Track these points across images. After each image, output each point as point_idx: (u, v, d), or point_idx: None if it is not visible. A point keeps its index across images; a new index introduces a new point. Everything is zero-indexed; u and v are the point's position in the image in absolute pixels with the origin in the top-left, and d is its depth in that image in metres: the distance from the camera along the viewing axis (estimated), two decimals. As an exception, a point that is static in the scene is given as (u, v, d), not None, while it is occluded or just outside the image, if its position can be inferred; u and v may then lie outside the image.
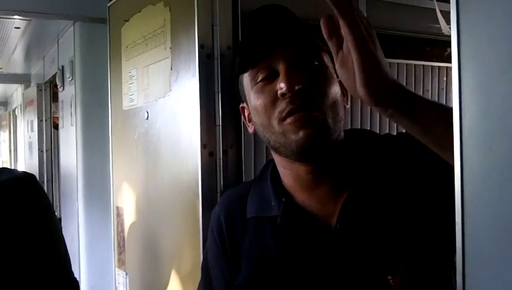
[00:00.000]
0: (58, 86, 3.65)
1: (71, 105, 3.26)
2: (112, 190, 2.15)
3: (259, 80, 1.14)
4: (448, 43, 0.59)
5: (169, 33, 1.60)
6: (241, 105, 1.28)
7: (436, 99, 2.51)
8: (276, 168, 1.23)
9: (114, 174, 2.14)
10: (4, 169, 1.54)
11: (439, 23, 1.99)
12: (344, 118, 1.17)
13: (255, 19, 1.22)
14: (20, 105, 6.12)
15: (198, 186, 1.45)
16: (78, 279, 1.57)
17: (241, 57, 1.19)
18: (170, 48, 1.60)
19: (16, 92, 7.27)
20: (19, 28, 3.81)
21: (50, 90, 4.67)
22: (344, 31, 0.87)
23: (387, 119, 2.29)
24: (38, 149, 4.76)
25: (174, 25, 1.58)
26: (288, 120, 1.08)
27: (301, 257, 1.10)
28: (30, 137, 5.13)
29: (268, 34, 1.15)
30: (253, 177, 1.36)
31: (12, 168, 4.53)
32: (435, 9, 1.98)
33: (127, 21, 1.90)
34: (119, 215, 2.08)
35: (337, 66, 0.93)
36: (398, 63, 2.33)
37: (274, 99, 1.10)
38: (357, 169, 1.14)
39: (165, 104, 1.64)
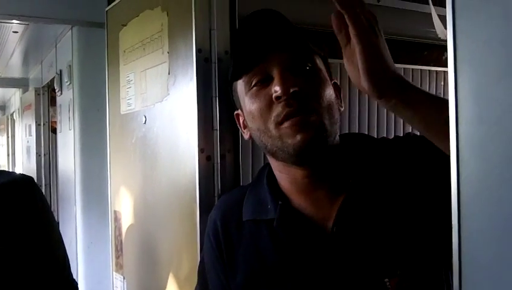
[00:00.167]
0: (56, 90, 3.65)
1: (69, 109, 3.26)
2: (109, 193, 2.15)
3: (253, 84, 1.14)
4: (445, 48, 0.59)
5: (166, 38, 1.61)
6: (235, 112, 1.29)
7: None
8: (273, 172, 1.23)
9: (112, 178, 2.14)
10: (2, 172, 1.54)
11: (436, 28, 1.99)
12: (340, 121, 1.17)
13: (247, 25, 1.22)
14: (18, 109, 6.11)
15: (195, 191, 1.45)
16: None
17: (235, 63, 1.20)
18: (168, 52, 1.60)
19: (13, 96, 7.26)
20: (16, 32, 3.81)
21: (48, 95, 4.67)
22: (348, 23, 0.89)
23: (385, 123, 2.29)
24: (36, 153, 4.75)
25: (172, 29, 1.59)
26: (286, 124, 1.08)
27: (297, 260, 1.10)
28: (28, 141, 5.12)
29: (262, 39, 1.15)
30: (250, 182, 1.36)
31: (10, 171, 4.52)
32: (431, 14, 1.98)
33: (125, 25, 1.91)
34: (116, 219, 2.08)
35: (344, 60, 0.97)
36: (395, 68, 2.33)
37: (269, 103, 1.11)
38: (354, 172, 1.15)
39: (162, 108, 1.64)
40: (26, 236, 1.39)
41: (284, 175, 1.18)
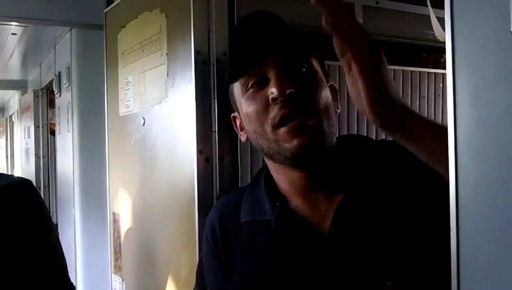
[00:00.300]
0: (55, 92, 3.65)
1: (68, 111, 3.26)
2: (108, 195, 2.15)
3: (250, 86, 1.14)
4: (444, 50, 0.59)
5: (165, 39, 1.61)
6: (232, 114, 1.29)
7: (433, 106, 2.51)
8: (270, 173, 1.23)
9: (110, 180, 2.13)
10: (1, 175, 1.53)
11: (434, 30, 1.99)
12: (337, 123, 1.17)
13: (243, 26, 1.22)
14: (17, 111, 6.11)
15: (194, 192, 1.45)
16: (74, 285, 1.57)
17: (231, 66, 1.20)
18: (166, 54, 1.60)
19: (12, 98, 7.26)
20: (15, 34, 3.81)
21: (47, 97, 4.66)
22: (347, 52, 0.87)
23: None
24: (35, 155, 4.75)
25: (171, 31, 1.59)
26: (283, 129, 1.08)
27: (295, 261, 1.10)
28: (27, 143, 5.12)
29: (258, 41, 1.15)
30: (248, 183, 1.36)
31: (9, 173, 4.51)
32: (430, 16, 1.99)
33: (124, 27, 1.91)
34: (115, 221, 2.08)
35: (348, 85, 0.93)
36: (394, 70, 2.34)
37: (266, 105, 1.11)
38: (351, 174, 1.14)
39: (161, 110, 1.64)
40: (25, 240, 1.38)
41: (282, 177, 1.18)
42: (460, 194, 0.57)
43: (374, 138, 1.55)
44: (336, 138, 1.19)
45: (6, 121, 8.14)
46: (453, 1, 0.57)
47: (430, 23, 1.96)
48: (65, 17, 2.94)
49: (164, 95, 1.61)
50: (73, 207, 3.15)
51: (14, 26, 3.52)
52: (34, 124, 4.73)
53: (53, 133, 4.46)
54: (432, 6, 1.92)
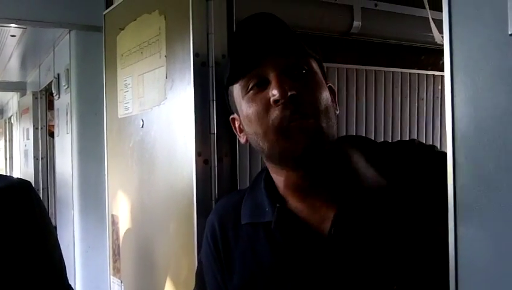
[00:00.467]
0: (54, 94, 3.65)
1: (67, 113, 3.26)
2: (107, 197, 2.15)
3: (250, 88, 1.14)
4: (443, 52, 0.59)
5: (164, 41, 1.61)
6: (231, 116, 1.29)
7: (431, 108, 2.52)
8: (270, 176, 1.23)
9: (109, 182, 2.13)
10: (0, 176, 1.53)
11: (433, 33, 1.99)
12: (337, 125, 1.17)
13: (243, 28, 1.22)
14: (16, 113, 6.10)
15: (193, 194, 1.45)
16: (73, 286, 1.56)
17: (231, 68, 1.19)
18: (165, 56, 1.60)
19: (11, 100, 7.25)
20: (14, 36, 3.81)
21: (46, 98, 4.66)
22: None
23: (382, 128, 2.29)
24: (34, 157, 4.74)
25: (169, 33, 1.59)
26: (284, 130, 1.08)
27: (294, 262, 1.10)
28: (26, 145, 5.11)
29: (258, 42, 1.15)
30: (248, 185, 1.36)
31: (8, 175, 4.51)
32: (429, 19, 1.99)
33: (123, 29, 1.91)
34: (114, 223, 2.08)
35: None
36: (393, 72, 2.34)
37: (267, 107, 1.10)
38: (352, 175, 1.14)
39: (160, 112, 1.64)
40: (23, 241, 1.38)
41: (282, 178, 1.18)
42: (458, 195, 0.57)
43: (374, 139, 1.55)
44: (337, 139, 1.19)
45: (5, 122, 8.13)
46: (451, 4, 0.57)
47: (429, 25, 1.96)
48: (64, 19, 2.94)
49: (163, 97, 1.61)
50: (72, 209, 3.15)
51: (13, 28, 3.52)
52: (33, 126, 4.73)
53: (52, 135, 4.45)
54: (430, 9, 1.92)
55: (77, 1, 2.91)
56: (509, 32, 0.50)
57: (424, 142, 1.31)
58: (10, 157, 7.48)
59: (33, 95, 4.74)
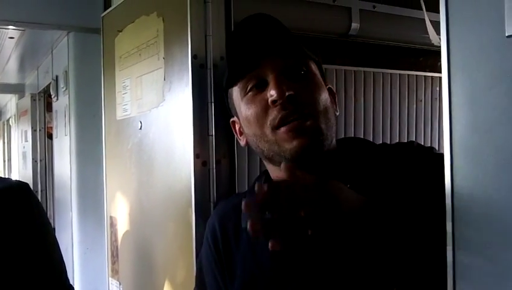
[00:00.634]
0: (52, 96, 3.65)
1: (65, 115, 3.26)
2: (105, 199, 2.15)
3: (249, 89, 1.14)
4: (440, 54, 0.59)
5: (162, 43, 1.61)
6: (231, 119, 1.28)
7: (430, 109, 2.51)
8: (270, 178, 1.23)
9: (108, 184, 2.13)
10: (-2, 178, 1.53)
11: (429, 34, 1.99)
12: (336, 126, 1.17)
13: (241, 30, 1.22)
14: (14, 115, 6.10)
15: (191, 196, 1.45)
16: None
17: (230, 70, 1.19)
18: (163, 58, 1.60)
19: (10, 102, 7.25)
20: (12, 38, 3.81)
21: (44, 100, 4.66)
22: None
23: (381, 129, 2.29)
24: (32, 159, 4.74)
25: (167, 35, 1.59)
26: (282, 129, 1.08)
27: (294, 264, 1.09)
28: (24, 147, 5.10)
29: (256, 44, 1.15)
30: (246, 187, 1.36)
31: (6, 177, 4.50)
32: (425, 20, 1.99)
33: (121, 31, 1.91)
34: (112, 225, 2.08)
35: None
36: (391, 74, 2.34)
37: (265, 108, 1.10)
38: (351, 177, 1.14)
39: (158, 114, 1.64)
40: (22, 242, 1.38)
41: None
42: (456, 196, 0.57)
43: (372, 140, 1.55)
44: (336, 140, 1.19)
45: (4, 124, 8.13)
46: (448, 5, 0.57)
47: (426, 27, 1.96)
48: (62, 21, 2.94)
49: (161, 99, 1.61)
50: (71, 211, 3.15)
51: (11, 30, 3.51)
52: (32, 128, 4.72)
53: (50, 136, 4.45)
54: (427, 10, 1.92)
55: (75, 3, 2.91)
56: (507, 34, 0.50)
57: (422, 144, 1.31)
58: (9, 160, 7.47)
59: (31, 97, 4.74)
